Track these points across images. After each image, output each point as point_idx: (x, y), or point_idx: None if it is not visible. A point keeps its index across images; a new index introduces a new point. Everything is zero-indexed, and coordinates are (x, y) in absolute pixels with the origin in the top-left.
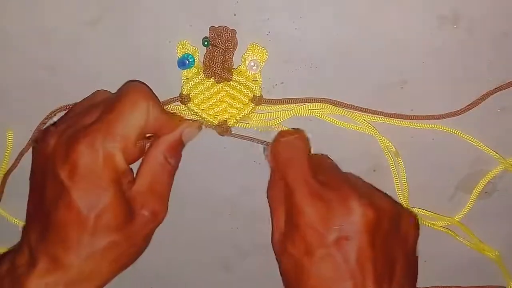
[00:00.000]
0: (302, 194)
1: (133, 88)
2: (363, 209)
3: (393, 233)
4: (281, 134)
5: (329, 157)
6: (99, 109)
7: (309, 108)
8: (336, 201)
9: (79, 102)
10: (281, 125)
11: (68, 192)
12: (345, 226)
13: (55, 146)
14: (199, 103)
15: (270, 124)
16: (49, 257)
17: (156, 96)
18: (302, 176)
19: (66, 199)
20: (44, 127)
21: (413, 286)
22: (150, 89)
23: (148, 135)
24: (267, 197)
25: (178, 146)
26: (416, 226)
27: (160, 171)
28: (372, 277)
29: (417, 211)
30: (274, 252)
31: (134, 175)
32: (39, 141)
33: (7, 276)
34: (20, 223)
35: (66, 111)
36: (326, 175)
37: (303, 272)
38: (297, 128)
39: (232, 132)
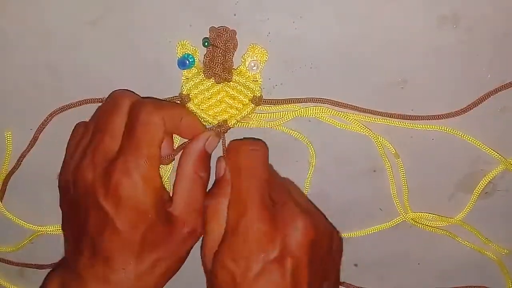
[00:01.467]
0: (254, 210)
1: (142, 106)
2: (306, 229)
3: (328, 252)
4: (241, 143)
5: (273, 168)
6: (116, 129)
7: (309, 110)
8: (281, 219)
9: (100, 109)
10: (281, 126)
11: (113, 221)
12: (287, 244)
13: (93, 180)
14: (199, 103)
15: (270, 125)
16: (101, 281)
17: (167, 103)
18: (258, 191)
19: (111, 227)
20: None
21: None
22: (157, 99)
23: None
24: (204, 204)
25: (205, 159)
26: (341, 246)
27: (194, 187)
28: None
29: (419, 215)
30: (205, 263)
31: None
32: (75, 175)
33: None
34: (23, 223)
35: (64, 110)
36: (275, 191)
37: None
38: (257, 138)
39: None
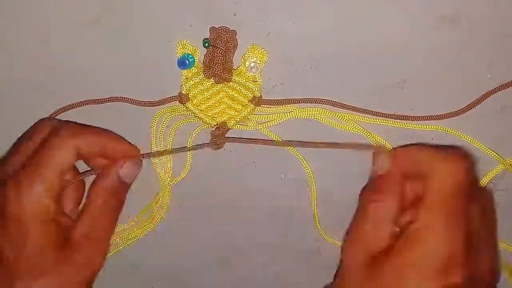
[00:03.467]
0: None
1: (56, 130)
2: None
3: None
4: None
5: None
6: (27, 150)
7: (309, 112)
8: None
9: (22, 135)
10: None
11: None
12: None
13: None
14: (198, 104)
15: (269, 126)
16: None
17: (87, 127)
18: (454, 220)
19: None
20: None
21: None
22: (76, 124)
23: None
24: (361, 196)
25: (119, 187)
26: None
27: (99, 216)
28: None
29: None
30: (348, 253)
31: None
32: None
33: None
34: None
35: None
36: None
37: None
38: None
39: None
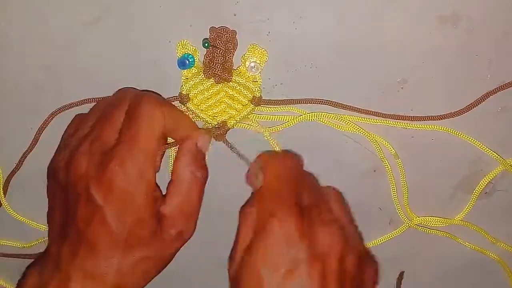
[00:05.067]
0: (284, 211)
1: (145, 98)
2: (334, 238)
3: (357, 274)
4: (274, 153)
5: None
6: (118, 121)
7: (309, 116)
8: (311, 223)
9: (100, 101)
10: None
11: (102, 211)
12: (316, 249)
13: (87, 168)
14: (198, 103)
15: (271, 128)
16: (83, 272)
17: (167, 101)
18: (289, 192)
19: (99, 218)
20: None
21: None
22: (159, 95)
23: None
24: (240, 211)
25: (200, 157)
26: (375, 276)
27: (189, 188)
28: None
29: (423, 219)
30: (232, 268)
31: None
32: (69, 162)
33: None
34: (25, 220)
35: (65, 110)
36: (311, 195)
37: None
38: (286, 150)
39: (228, 141)
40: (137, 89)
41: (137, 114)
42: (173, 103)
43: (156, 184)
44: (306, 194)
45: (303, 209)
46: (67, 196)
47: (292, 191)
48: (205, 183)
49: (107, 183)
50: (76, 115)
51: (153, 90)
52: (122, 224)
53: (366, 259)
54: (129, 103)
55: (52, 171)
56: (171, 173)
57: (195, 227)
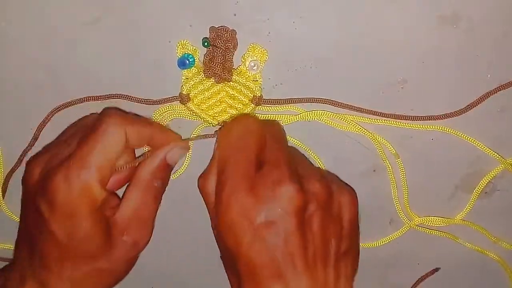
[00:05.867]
0: (233, 181)
1: (105, 117)
2: (291, 194)
3: (325, 215)
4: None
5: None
6: (76, 139)
7: (310, 114)
8: (266, 187)
9: (68, 127)
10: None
11: (48, 223)
12: (272, 212)
13: (38, 177)
14: (199, 103)
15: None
16: (36, 281)
17: (134, 116)
18: (238, 162)
19: (46, 229)
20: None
21: (354, 262)
22: (124, 112)
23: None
24: (198, 186)
25: (163, 168)
26: (352, 203)
27: (145, 195)
28: (302, 260)
29: (423, 219)
30: (215, 235)
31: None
32: (25, 170)
33: None
34: None
35: (64, 108)
36: (270, 153)
37: (238, 259)
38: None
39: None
40: (117, 110)
41: (93, 131)
42: (173, 103)
43: (110, 194)
44: (269, 150)
45: (260, 168)
46: (24, 202)
47: (241, 158)
48: (162, 194)
49: (51, 196)
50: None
51: (153, 90)
52: (69, 237)
53: (332, 195)
54: (92, 123)
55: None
56: (131, 178)
57: (150, 236)
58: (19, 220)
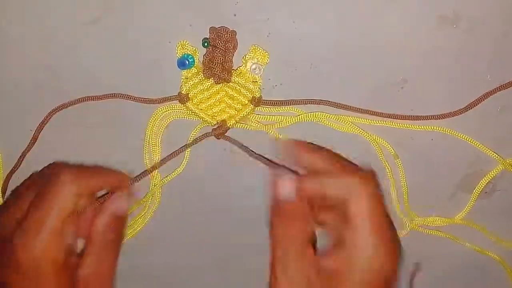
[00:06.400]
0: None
1: (55, 177)
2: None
3: None
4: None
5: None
6: (27, 201)
7: (309, 116)
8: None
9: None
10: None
11: (11, 285)
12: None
13: (4, 238)
14: (198, 103)
15: (269, 128)
16: None
17: (84, 171)
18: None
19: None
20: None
21: None
22: (72, 167)
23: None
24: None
25: (115, 220)
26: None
27: (101, 251)
28: None
29: (422, 220)
30: None
31: None
32: None
33: None
34: None
35: (64, 108)
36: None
37: None
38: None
39: (229, 137)
40: (56, 165)
41: (47, 190)
42: (172, 102)
43: (69, 249)
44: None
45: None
46: None
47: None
48: (119, 245)
49: (15, 261)
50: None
51: (153, 90)
52: None
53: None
54: (43, 183)
55: None
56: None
57: (111, 287)
58: None
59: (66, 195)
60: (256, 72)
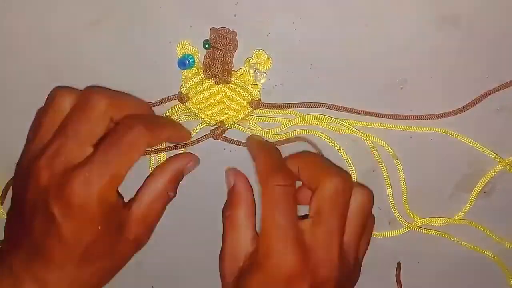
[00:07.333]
0: (282, 251)
1: (135, 127)
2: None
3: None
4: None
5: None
6: (91, 138)
7: (307, 118)
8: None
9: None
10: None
11: (59, 226)
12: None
13: (49, 180)
14: (197, 103)
15: (269, 131)
16: (36, 280)
17: (152, 119)
18: (286, 227)
19: (56, 233)
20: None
21: None
22: (150, 116)
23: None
24: (223, 213)
25: (178, 179)
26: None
27: (157, 202)
28: None
29: (422, 220)
30: (224, 274)
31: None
32: (30, 172)
33: None
34: None
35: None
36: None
37: None
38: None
39: (228, 137)
40: (107, 91)
41: (120, 142)
42: (170, 102)
43: (119, 198)
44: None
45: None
46: (26, 204)
47: (288, 225)
48: (169, 202)
49: (67, 200)
50: (37, 110)
51: (153, 90)
52: (79, 241)
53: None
54: (114, 121)
55: (18, 170)
56: (147, 180)
57: (149, 237)
58: (6, 225)
59: (139, 150)
60: (259, 78)
